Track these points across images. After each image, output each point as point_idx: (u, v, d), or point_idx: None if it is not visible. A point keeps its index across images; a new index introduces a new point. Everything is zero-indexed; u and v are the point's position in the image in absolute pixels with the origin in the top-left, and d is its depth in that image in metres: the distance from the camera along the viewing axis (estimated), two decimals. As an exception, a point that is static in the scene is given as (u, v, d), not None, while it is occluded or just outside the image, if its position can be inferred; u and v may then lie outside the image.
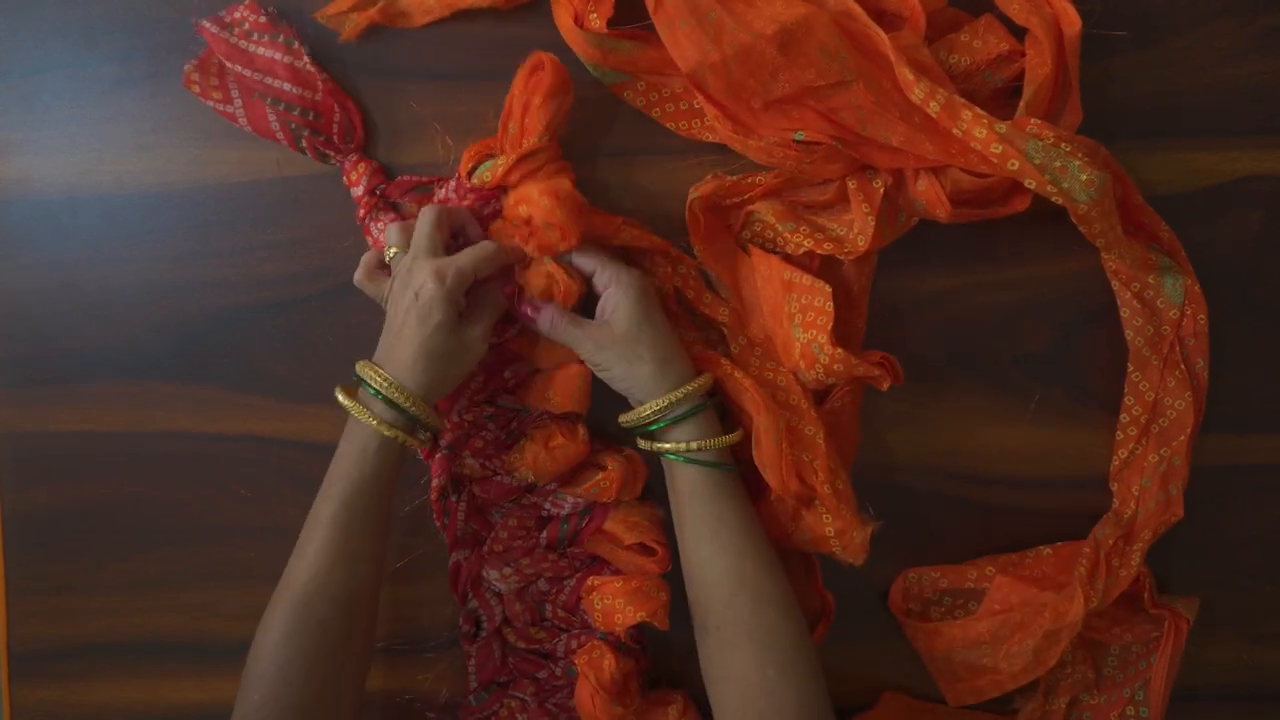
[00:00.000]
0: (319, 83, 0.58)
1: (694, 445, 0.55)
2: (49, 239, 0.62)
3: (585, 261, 0.56)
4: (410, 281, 0.53)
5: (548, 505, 0.60)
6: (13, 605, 0.65)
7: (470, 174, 0.58)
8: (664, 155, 0.60)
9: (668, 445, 0.55)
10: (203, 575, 0.64)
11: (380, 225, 0.59)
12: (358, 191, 0.59)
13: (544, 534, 0.60)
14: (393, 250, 0.57)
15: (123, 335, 0.63)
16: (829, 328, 0.54)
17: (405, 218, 0.59)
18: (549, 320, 0.56)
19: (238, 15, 0.58)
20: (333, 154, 0.59)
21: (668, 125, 0.58)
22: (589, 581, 0.60)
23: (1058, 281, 0.60)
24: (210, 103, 0.59)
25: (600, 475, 0.58)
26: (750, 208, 0.58)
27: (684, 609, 0.57)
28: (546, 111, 0.55)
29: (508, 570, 0.60)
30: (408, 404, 0.53)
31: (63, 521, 0.64)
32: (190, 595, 0.64)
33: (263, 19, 0.58)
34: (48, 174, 0.62)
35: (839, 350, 0.54)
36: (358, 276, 0.58)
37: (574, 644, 0.61)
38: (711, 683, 0.54)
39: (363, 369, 0.54)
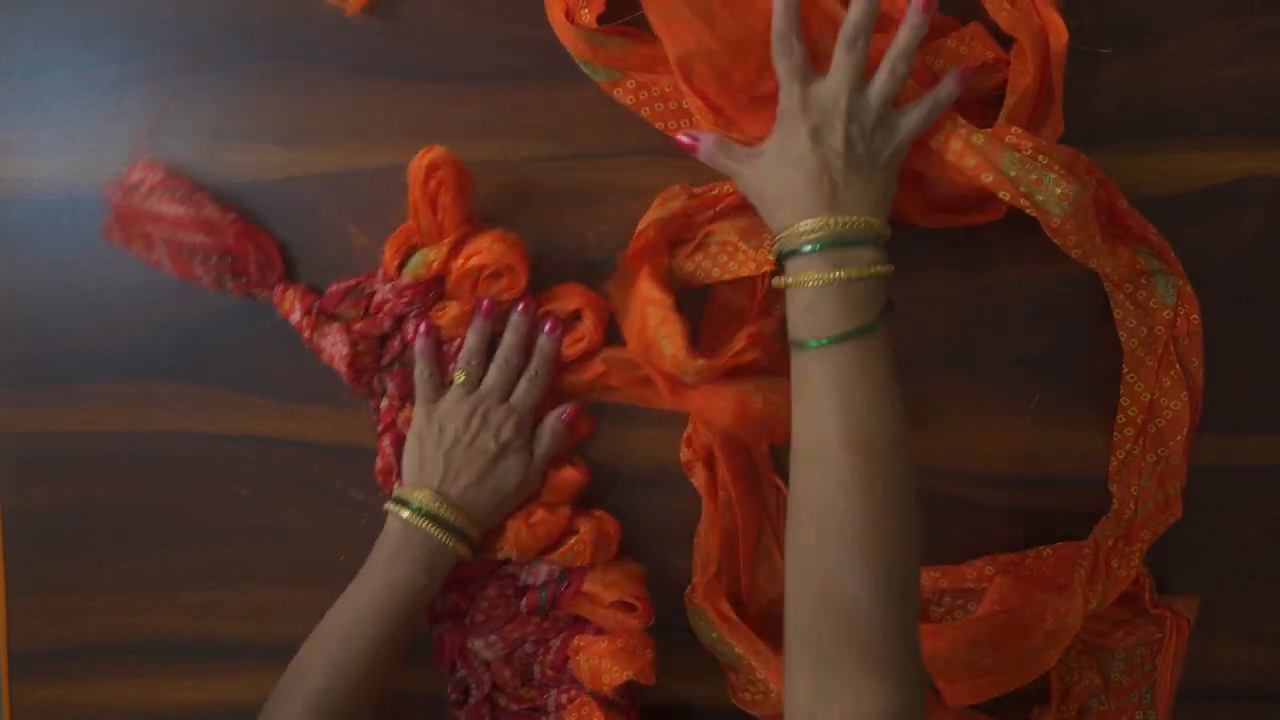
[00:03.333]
0: (227, 227, 0.59)
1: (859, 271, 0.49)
2: (49, 239, 0.62)
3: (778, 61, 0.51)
4: (488, 422, 0.58)
5: (524, 575, 0.60)
6: (13, 605, 0.65)
7: (399, 270, 0.59)
8: (664, 155, 0.60)
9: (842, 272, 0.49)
10: (203, 575, 0.64)
11: (329, 340, 0.59)
12: (295, 318, 0.60)
13: (524, 602, 0.60)
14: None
15: (123, 335, 0.63)
16: (682, 340, 0.55)
17: (350, 326, 0.59)
18: (709, 143, 0.55)
19: (136, 177, 0.59)
20: (258, 290, 0.60)
21: (656, 125, 0.58)
22: (575, 642, 0.60)
23: (1057, 282, 0.60)
24: (135, 254, 0.60)
25: (573, 540, 0.59)
26: (710, 228, 0.58)
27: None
28: (459, 205, 0.57)
29: (493, 638, 0.60)
30: (464, 526, 0.56)
31: (63, 521, 0.64)
32: (190, 595, 0.64)
33: (159, 176, 0.59)
34: (48, 174, 0.62)
35: (700, 361, 0.55)
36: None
37: (564, 698, 0.61)
38: (786, 568, 0.50)
39: (420, 498, 0.56)
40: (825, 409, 0.48)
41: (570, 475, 0.60)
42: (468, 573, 0.60)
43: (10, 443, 0.64)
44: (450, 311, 0.59)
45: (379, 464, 0.61)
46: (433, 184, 0.56)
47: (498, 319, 0.59)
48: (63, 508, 0.64)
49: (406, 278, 0.59)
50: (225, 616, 0.64)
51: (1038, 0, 0.54)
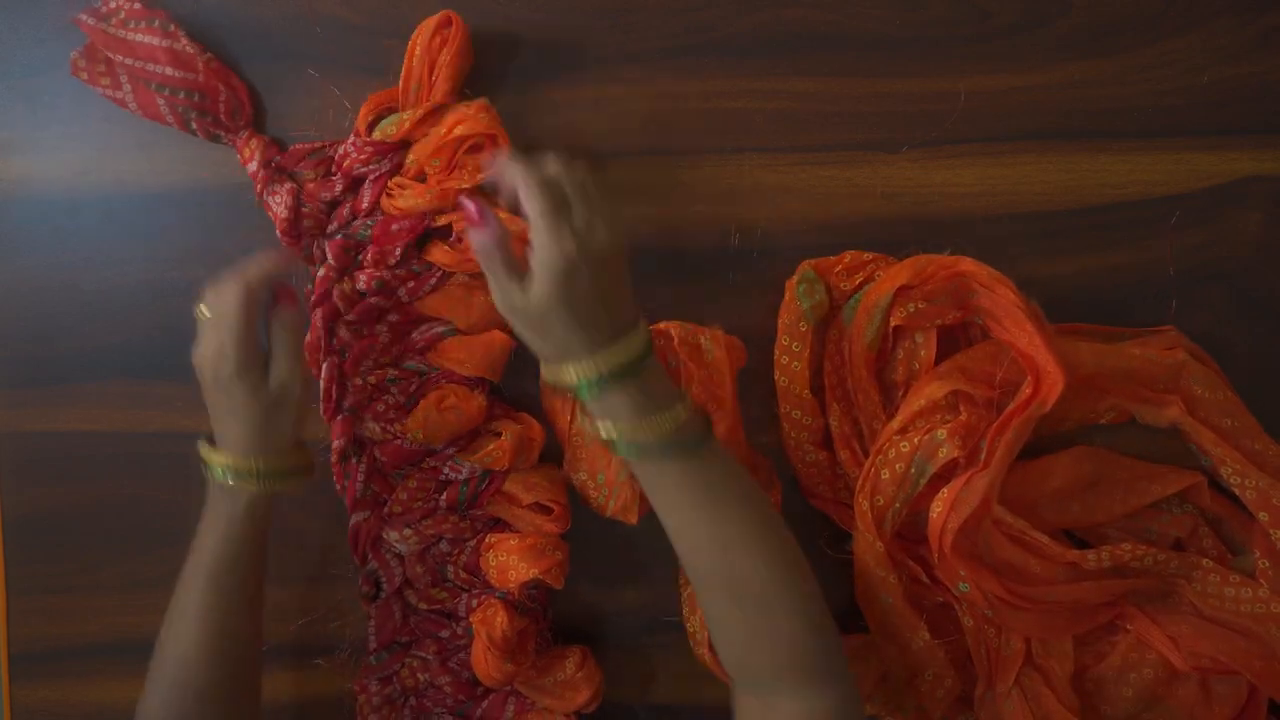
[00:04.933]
0: (199, 64, 0.58)
1: (644, 425, 0.48)
2: (49, 239, 0.62)
3: (526, 207, 0.47)
4: (201, 368, 0.52)
5: (446, 469, 0.60)
6: (13, 605, 0.65)
7: (369, 129, 0.58)
8: (664, 155, 0.61)
9: (648, 444, 0.48)
10: (203, 575, 0.64)
11: (277, 198, 0.58)
12: (252, 168, 0.59)
13: (444, 497, 0.60)
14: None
15: (123, 335, 0.63)
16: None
17: (302, 186, 0.59)
18: (486, 241, 0.48)
19: (113, 4, 0.58)
20: (223, 133, 0.59)
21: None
22: (486, 540, 0.60)
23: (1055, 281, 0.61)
24: (99, 89, 0.59)
25: (494, 444, 0.59)
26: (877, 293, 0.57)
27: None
28: (453, 70, 0.56)
29: (408, 532, 0.60)
30: (258, 464, 0.52)
31: (63, 521, 0.64)
32: (190, 595, 0.64)
33: (137, 5, 0.58)
34: (48, 174, 0.62)
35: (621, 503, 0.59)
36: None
37: (474, 603, 0.61)
38: (708, 625, 0.52)
39: (204, 453, 0.53)
40: (683, 512, 0.50)
41: (499, 338, 0.57)
42: (389, 461, 0.60)
43: (10, 443, 0.64)
44: (402, 196, 0.57)
45: (308, 338, 0.59)
46: (437, 41, 0.56)
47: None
48: (63, 508, 0.64)
49: (375, 135, 0.58)
50: (225, 616, 0.64)
51: (1039, 348, 0.55)
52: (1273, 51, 0.59)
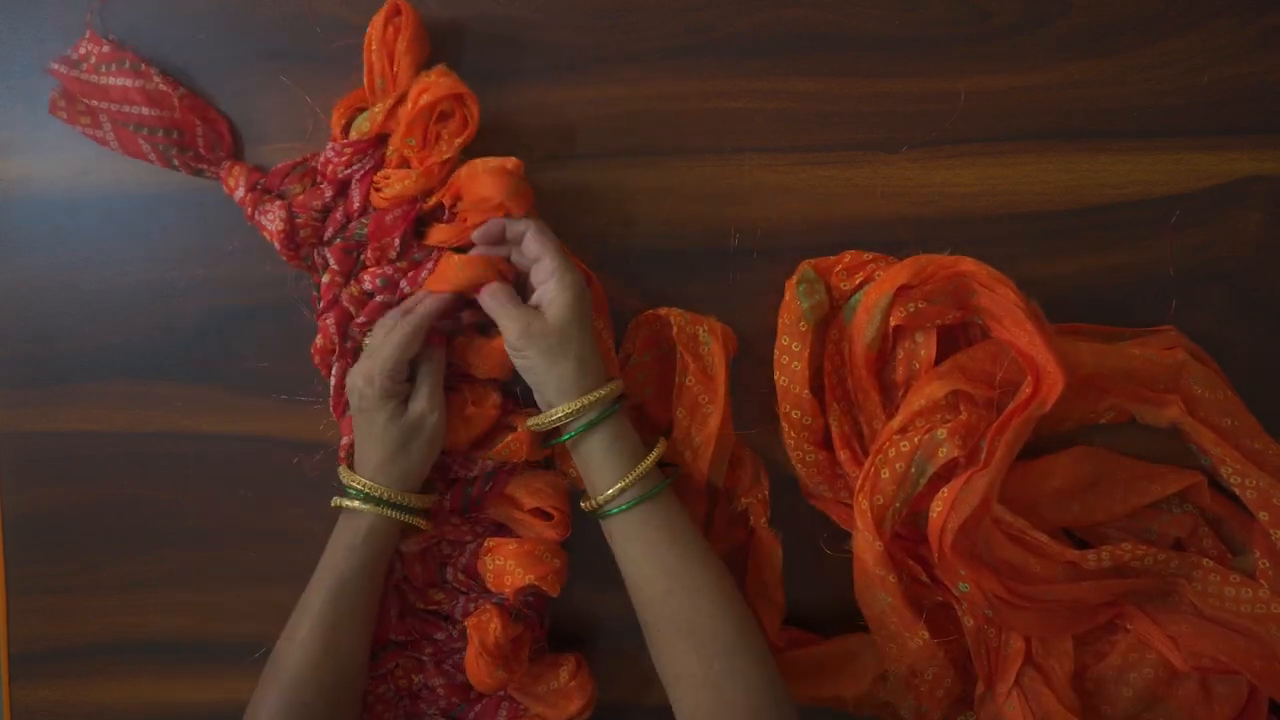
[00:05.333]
0: (174, 100, 0.58)
1: (627, 482, 0.54)
2: (49, 239, 0.62)
3: (533, 247, 0.55)
4: (352, 391, 0.56)
5: (456, 467, 0.60)
6: (13, 605, 0.65)
7: (345, 131, 0.58)
8: (665, 155, 0.61)
9: (610, 496, 0.54)
10: (203, 575, 0.64)
11: (269, 216, 0.58)
12: (239, 195, 0.59)
13: (448, 498, 0.60)
14: (367, 342, 0.59)
15: (123, 335, 0.63)
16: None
17: (292, 201, 0.59)
18: (489, 291, 0.56)
19: (83, 50, 0.59)
20: (205, 167, 0.60)
21: None
22: (486, 543, 0.60)
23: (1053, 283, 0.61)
24: (80, 129, 0.59)
25: (510, 436, 0.58)
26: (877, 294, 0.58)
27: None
28: (412, 56, 0.56)
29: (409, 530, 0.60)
30: (387, 497, 0.55)
31: (63, 521, 0.64)
32: (190, 595, 0.64)
33: (106, 49, 0.58)
34: (48, 174, 0.62)
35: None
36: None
37: (471, 607, 0.61)
38: (666, 684, 0.54)
39: (344, 478, 0.57)
40: (638, 562, 0.54)
41: (499, 345, 0.57)
42: None
43: (10, 443, 0.64)
44: (389, 187, 0.57)
45: (319, 341, 0.60)
46: (390, 31, 0.56)
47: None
48: (63, 508, 0.64)
49: (352, 136, 0.58)
50: (225, 617, 0.64)
51: (1039, 347, 0.55)
52: (1273, 51, 0.59)
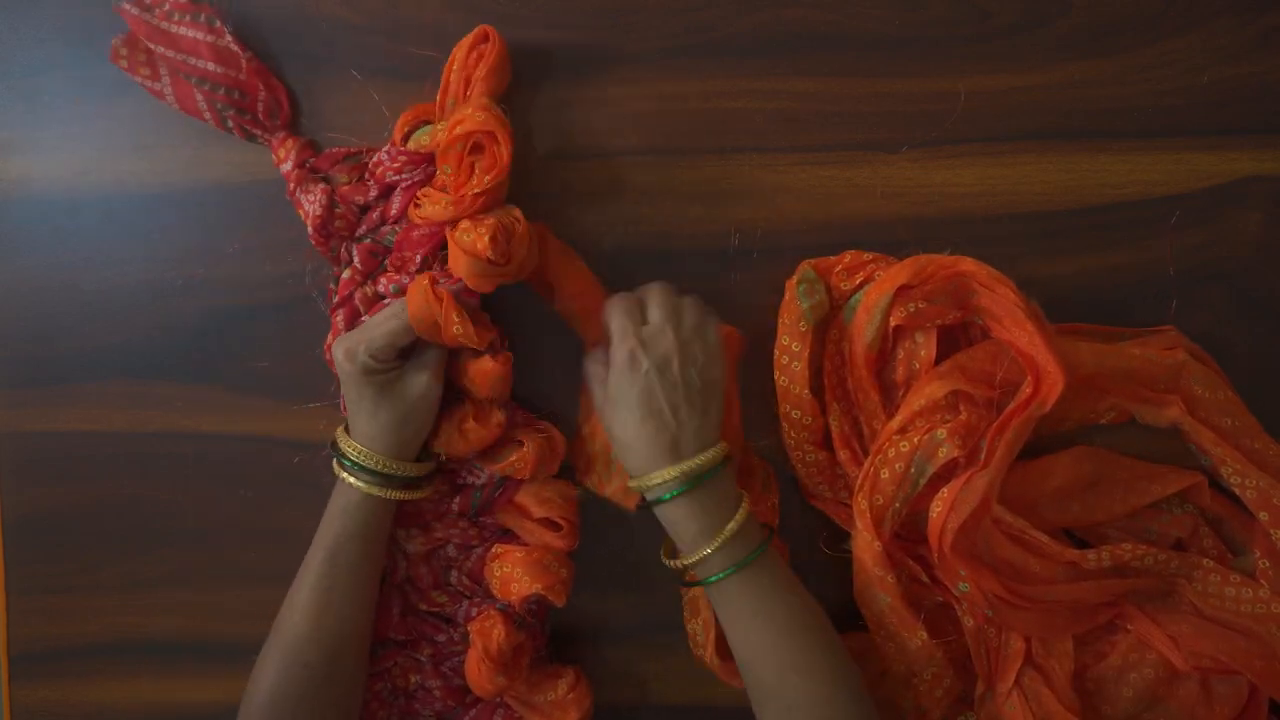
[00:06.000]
0: (242, 61, 0.58)
1: (726, 553, 0.52)
2: (49, 239, 0.62)
3: (609, 317, 0.55)
4: (336, 360, 0.56)
5: (464, 474, 0.60)
6: (13, 605, 0.65)
7: (405, 140, 0.58)
8: (665, 155, 0.61)
9: (713, 574, 0.53)
10: (203, 575, 0.64)
11: (311, 197, 0.58)
12: (286, 167, 0.59)
13: (456, 501, 0.60)
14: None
15: (123, 335, 0.63)
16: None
17: (336, 187, 0.59)
18: (591, 356, 0.57)
19: None
20: (259, 133, 0.59)
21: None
22: (493, 549, 0.60)
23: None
24: (138, 79, 0.59)
25: (516, 454, 0.58)
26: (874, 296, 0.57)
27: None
28: (488, 85, 0.56)
29: (415, 531, 0.60)
30: (379, 466, 0.55)
31: (63, 521, 0.64)
32: (190, 595, 0.64)
33: None
34: (48, 174, 0.62)
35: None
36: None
37: (474, 611, 0.61)
38: None
39: (339, 440, 0.57)
40: (744, 632, 0.53)
41: (490, 368, 0.57)
42: None
43: (10, 443, 0.64)
44: (426, 205, 0.57)
45: (329, 339, 0.60)
46: (473, 56, 0.56)
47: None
48: (63, 508, 0.64)
49: (410, 145, 0.58)
50: (225, 617, 0.64)
51: (1039, 347, 0.55)
52: (1273, 51, 0.59)
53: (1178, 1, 0.59)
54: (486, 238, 0.53)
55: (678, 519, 0.53)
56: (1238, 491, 0.57)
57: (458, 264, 0.55)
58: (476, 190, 0.54)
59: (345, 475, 0.56)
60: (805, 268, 0.59)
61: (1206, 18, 0.59)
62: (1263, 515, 0.57)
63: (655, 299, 0.55)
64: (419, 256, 0.57)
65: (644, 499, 0.55)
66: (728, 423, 0.58)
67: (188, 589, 0.64)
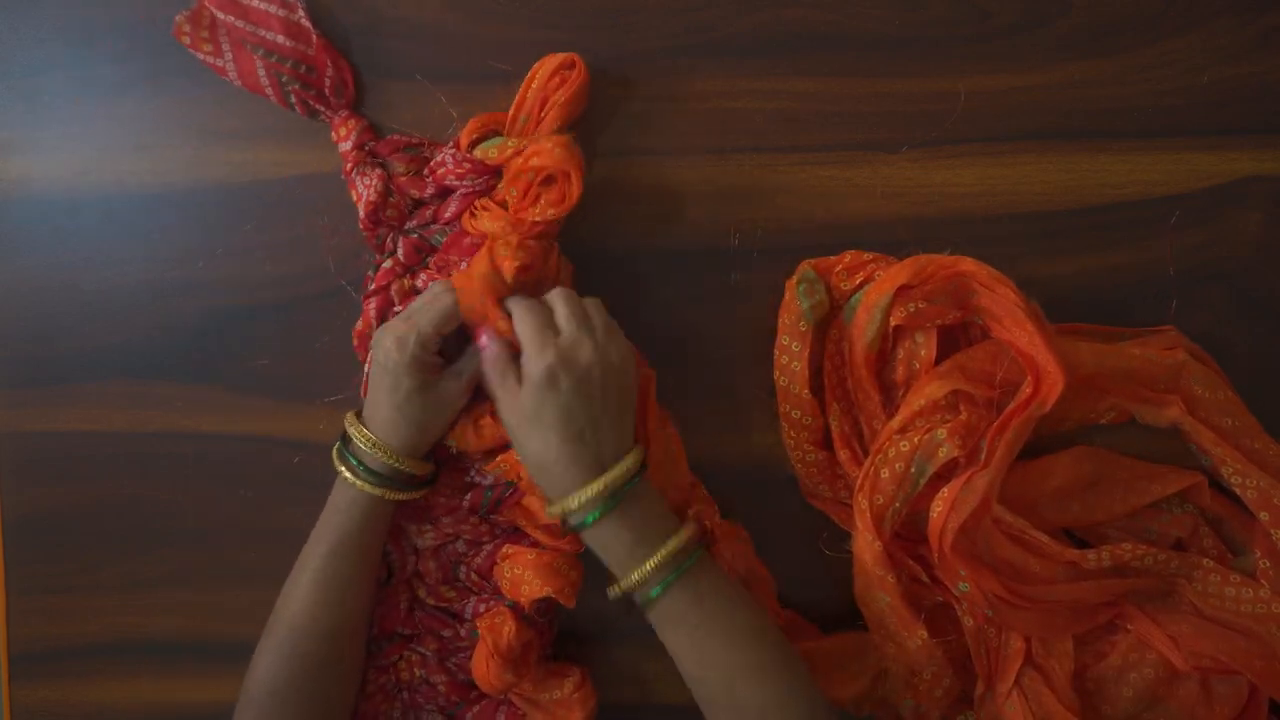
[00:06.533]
0: (313, 37, 0.58)
1: (657, 562, 0.51)
2: (49, 239, 0.62)
3: (518, 324, 0.53)
4: (378, 346, 0.54)
5: (472, 473, 0.60)
6: (13, 605, 0.65)
7: (471, 146, 0.58)
8: (664, 155, 0.61)
9: (651, 592, 0.52)
10: (203, 575, 0.64)
11: (367, 180, 0.58)
12: (345, 147, 0.59)
13: (467, 498, 0.60)
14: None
15: (123, 335, 0.63)
16: None
17: (392, 176, 0.59)
18: (493, 352, 0.54)
19: None
20: (322, 109, 0.59)
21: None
22: (503, 550, 0.60)
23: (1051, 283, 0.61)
24: (200, 55, 0.59)
25: (500, 457, 0.58)
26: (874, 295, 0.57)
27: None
28: (565, 111, 0.56)
29: (426, 527, 0.60)
30: (390, 460, 0.55)
31: (63, 521, 0.64)
32: (190, 595, 0.64)
33: None
34: (48, 174, 0.62)
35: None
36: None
37: (482, 607, 0.61)
38: None
39: (350, 425, 0.56)
40: (688, 646, 0.52)
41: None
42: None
43: (10, 443, 0.64)
44: (483, 218, 0.57)
45: (359, 325, 0.60)
46: (555, 80, 0.56)
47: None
48: (63, 508, 0.64)
49: (475, 154, 0.58)
50: (225, 617, 0.64)
51: (1039, 347, 0.55)
52: (1273, 51, 0.59)
53: (1178, 1, 0.59)
54: (516, 264, 0.54)
55: (606, 539, 0.52)
56: (1238, 491, 0.57)
57: (477, 261, 0.55)
58: (537, 219, 0.55)
59: (346, 474, 0.56)
60: (805, 268, 0.59)
61: (1206, 18, 0.59)
62: (1263, 515, 0.57)
63: (562, 305, 0.53)
64: (463, 264, 0.58)
65: (566, 523, 0.53)
66: (675, 468, 0.59)
67: (188, 589, 0.64)
